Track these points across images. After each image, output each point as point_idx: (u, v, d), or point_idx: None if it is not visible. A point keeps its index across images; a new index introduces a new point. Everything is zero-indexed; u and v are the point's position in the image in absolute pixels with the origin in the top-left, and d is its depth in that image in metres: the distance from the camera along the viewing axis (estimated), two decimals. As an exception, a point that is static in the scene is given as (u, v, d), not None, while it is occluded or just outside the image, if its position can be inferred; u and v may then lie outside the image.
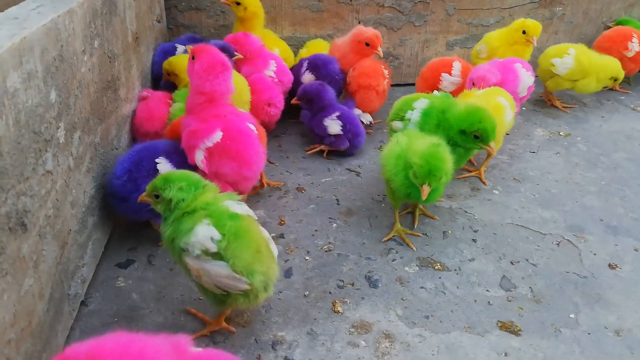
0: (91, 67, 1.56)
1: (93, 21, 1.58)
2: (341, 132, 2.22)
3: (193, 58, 1.66)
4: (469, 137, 1.71)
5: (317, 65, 2.47)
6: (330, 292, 1.53)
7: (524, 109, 2.79)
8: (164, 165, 1.62)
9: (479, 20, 3.05)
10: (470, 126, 1.69)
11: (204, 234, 1.20)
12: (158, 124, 1.99)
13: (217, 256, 1.20)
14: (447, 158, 1.56)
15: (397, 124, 1.90)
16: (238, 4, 2.43)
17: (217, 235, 1.20)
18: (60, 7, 1.37)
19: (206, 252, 1.20)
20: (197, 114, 1.66)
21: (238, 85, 2.01)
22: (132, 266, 1.63)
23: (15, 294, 1.06)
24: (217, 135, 1.63)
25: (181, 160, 1.67)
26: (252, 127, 1.73)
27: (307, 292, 1.53)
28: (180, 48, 2.43)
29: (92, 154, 1.57)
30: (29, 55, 1.13)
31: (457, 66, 2.49)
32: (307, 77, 2.47)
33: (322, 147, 2.31)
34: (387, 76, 2.51)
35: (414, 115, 1.81)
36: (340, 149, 2.28)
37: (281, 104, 2.29)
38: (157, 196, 1.29)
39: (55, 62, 1.28)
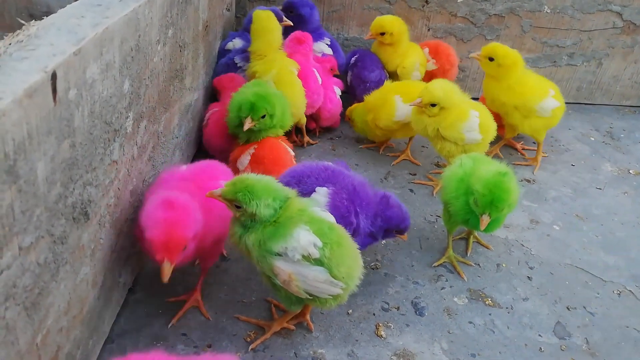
0: (163, 57, 1.56)
1: (170, 10, 1.58)
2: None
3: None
4: None
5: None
6: (374, 314, 1.49)
7: (591, 139, 2.65)
8: None
9: (554, 40, 2.91)
10: None
11: (307, 239, 1.21)
12: None
13: (316, 262, 1.21)
14: (512, 189, 1.48)
15: None
16: (382, 34, 2.53)
17: (319, 242, 1.21)
18: (142, -4, 1.37)
19: (307, 258, 1.21)
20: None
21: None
22: (179, 258, 1.63)
23: (71, 282, 1.07)
24: None
25: None
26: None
27: (350, 310, 1.49)
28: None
29: (155, 142, 1.57)
30: (109, 46, 1.13)
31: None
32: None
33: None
34: None
35: None
36: None
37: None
38: (238, 206, 1.24)
39: (132, 52, 1.28)
